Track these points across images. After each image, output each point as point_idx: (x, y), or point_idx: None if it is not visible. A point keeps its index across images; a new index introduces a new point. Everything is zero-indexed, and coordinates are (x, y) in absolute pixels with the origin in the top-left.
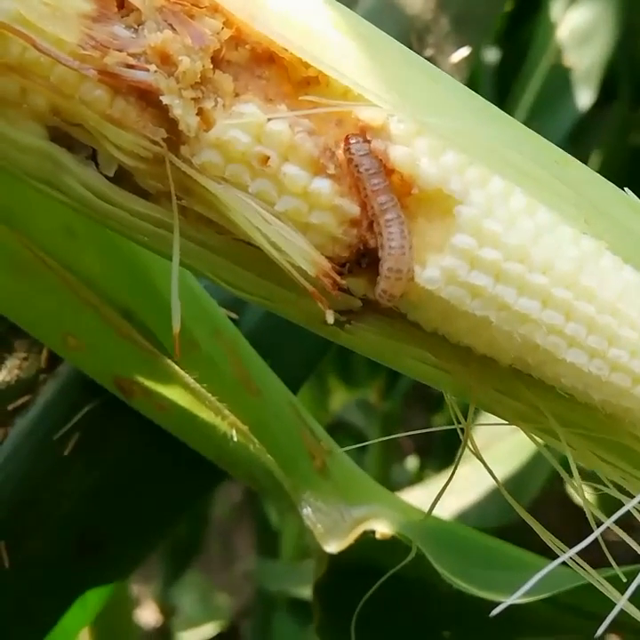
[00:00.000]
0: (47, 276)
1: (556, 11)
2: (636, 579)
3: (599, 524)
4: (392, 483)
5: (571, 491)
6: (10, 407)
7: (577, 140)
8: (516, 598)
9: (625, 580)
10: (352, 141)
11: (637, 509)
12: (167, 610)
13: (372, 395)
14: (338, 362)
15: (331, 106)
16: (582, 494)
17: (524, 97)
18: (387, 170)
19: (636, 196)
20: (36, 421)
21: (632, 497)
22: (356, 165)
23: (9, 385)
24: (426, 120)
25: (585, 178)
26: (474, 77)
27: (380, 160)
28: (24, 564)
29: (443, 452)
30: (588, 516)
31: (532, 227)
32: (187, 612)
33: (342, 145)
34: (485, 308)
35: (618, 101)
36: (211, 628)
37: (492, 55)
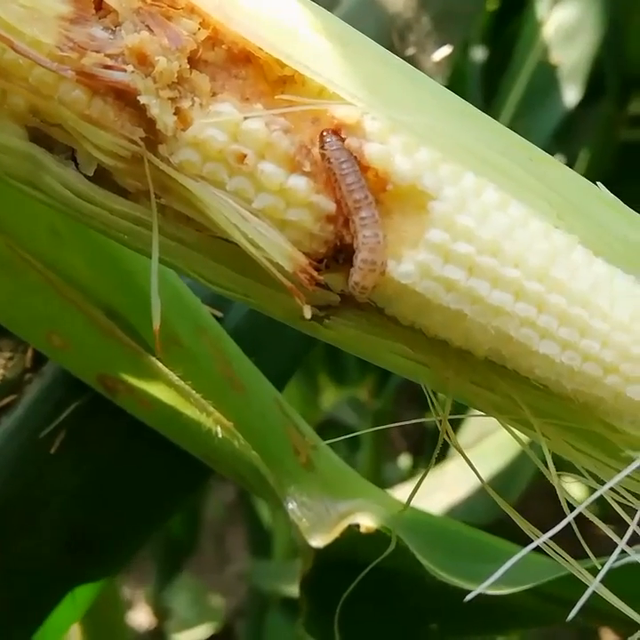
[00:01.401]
0: (30, 274)
1: (542, 8)
2: (607, 563)
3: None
4: (384, 481)
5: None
6: None
7: (564, 137)
8: (486, 586)
9: (599, 568)
10: (326, 137)
11: (612, 497)
12: (161, 612)
13: (363, 393)
14: (329, 360)
15: (306, 104)
16: (558, 483)
17: (511, 94)
18: (362, 166)
19: (608, 191)
20: (22, 420)
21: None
22: (330, 160)
23: None
24: (400, 117)
25: (558, 174)
26: (461, 75)
27: (355, 157)
28: (12, 562)
29: (434, 449)
30: (561, 502)
31: (505, 221)
32: (180, 614)
33: (317, 141)
34: (459, 302)
35: (605, 97)
36: (204, 630)
37: (478, 53)
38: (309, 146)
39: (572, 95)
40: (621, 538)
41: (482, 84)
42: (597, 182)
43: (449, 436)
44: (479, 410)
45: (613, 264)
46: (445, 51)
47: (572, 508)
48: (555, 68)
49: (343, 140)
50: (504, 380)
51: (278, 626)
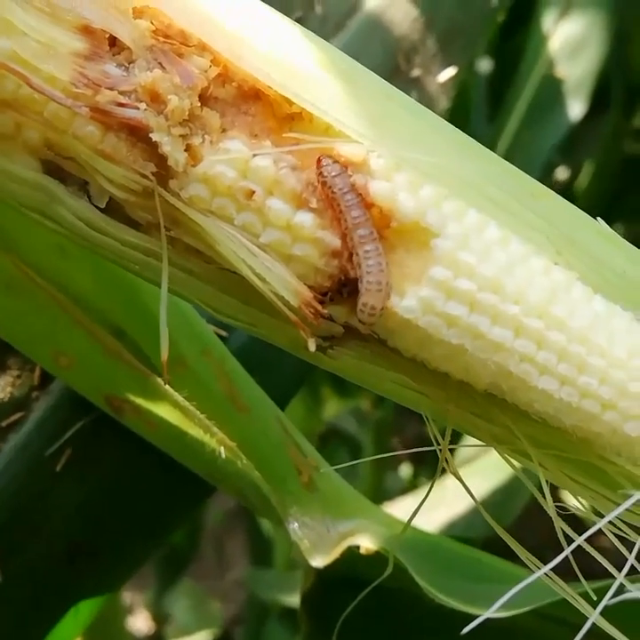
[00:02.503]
0: (38, 295)
1: (548, 22)
2: (605, 597)
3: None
4: (385, 490)
5: (562, 498)
6: (3, 424)
7: (569, 150)
8: (490, 613)
9: (595, 598)
10: (323, 163)
11: (609, 529)
12: (160, 617)
13: (364, 403)
14: (330, 372)
15: (313, 142)
16: (554, 513)
17: (517, 107)
18: (366, 203)
19: (607, 226)
20: (28, 438)
21: (603, 516)
22: (330, 187)
23: (2, 402)
24: (405, 155)
25: (558, 209)
26: (466, 87)
27: (360, 194)
28: (17, 577)
29: (436, 459)
30: (558, 533)
31: (506, 258)
32: (179, 620)
33: (315, 169)
34: (461, 337)
35: (610, 110)
36: (203, 636)
37: (484, 66)
38: (315, 183)
39: (577, 109)
40: (620, 557)
41: (487, 97)
42: (597, 217)
43: (448, 465)
44: (479, 439)
45: (612, 300)
46: (450, 72)
47: (568, 538)
48: (560, 81)
49: (344, 167)
50: (503, 413)
51: (277, 634)
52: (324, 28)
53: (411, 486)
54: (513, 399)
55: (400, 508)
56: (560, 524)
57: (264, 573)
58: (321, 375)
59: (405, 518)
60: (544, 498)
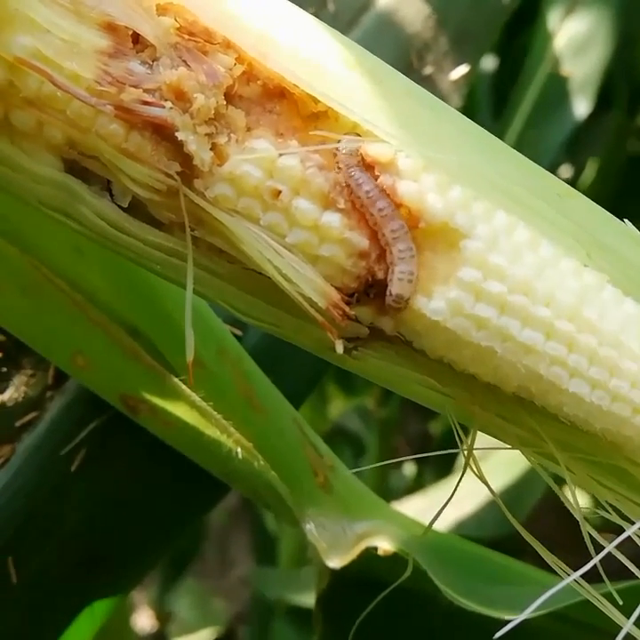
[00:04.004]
0: (56, 295)
1: (553, 20)
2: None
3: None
4: (390, 489)
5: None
6: (17, 423)
7: (574, 149)
8: (518, 621)
9: (621, 603)
10: (342, 150)
11: (637, 534)
12: (163, 615)
13: (369, 402)
14: (336, 370)
15: (340, 141)
16: (581, 518)
17: (522, 106)
18: (395, 204)
19: (635, 228)
20: (43, 437)
21: (631, 521)
22: (348, 174)
23: (17, 402)
24: (432, 155)
25: (586, 210)
26: (471, 86)
27: (388, 194)
28: (31, 578)
29: (440, 459)
30: (585, 537)
31: (536, 260)
32: (183, 618)
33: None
34: (490, 339)
35: (615, 109)
36: (207, 634)
37: (489, 64)
38: (343, 183)
39: (582, 107)
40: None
41: (492, 95)
42: (624, 219)
43: (475, 468)
44: (504, 442)
45: None
46: (462, 70)
47: (596, 544)
48: (565, 79)
49: (361, 159)
50: (531, 415)
51: (281, 633)
52: (336, 25)
53: (415, 485)
54: (542, 402)
55: (409, 508)
56: (588, 529)
57: (268, 571)
58: (327, 373)
59: (416, 518)
60: (570, 501)
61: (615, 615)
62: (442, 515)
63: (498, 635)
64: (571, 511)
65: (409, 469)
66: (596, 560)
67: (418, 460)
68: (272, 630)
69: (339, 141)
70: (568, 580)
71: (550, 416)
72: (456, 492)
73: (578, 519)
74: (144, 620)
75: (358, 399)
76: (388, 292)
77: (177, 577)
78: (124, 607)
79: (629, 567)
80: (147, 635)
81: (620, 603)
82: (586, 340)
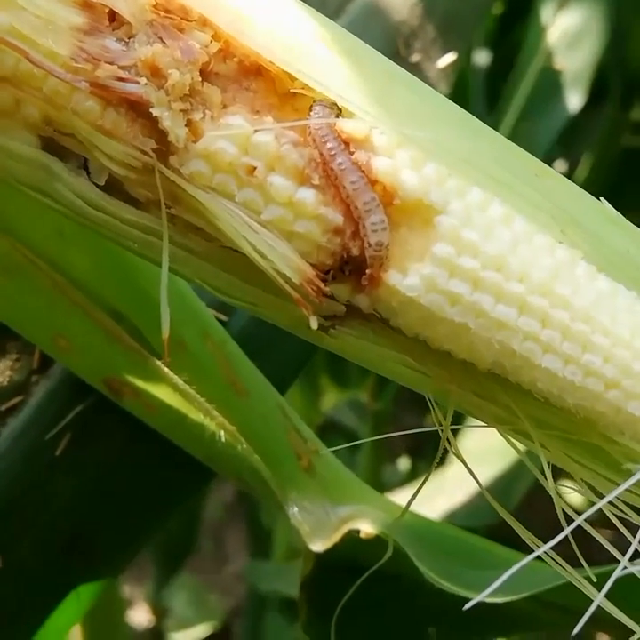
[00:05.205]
0: (37, 277)
1: (546, 14)
2: (610, 579)
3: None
4: (383, 483)
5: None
6: (2, 408)
7: (568, 142)
8: (485, 595)
9: (595, 581)
10: (315, 106)
11: (610, 509)
12: (159, 611)
13: (363, 395)
14: (329, 363)
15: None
16: (556, 494)
17: (515, 99)
18: (370, 180)
19: (611, 207)
20: (28, 422)
21: (603, 496)
22: (317, 140)
23: (1, 386)
24: (407, 132)
25: (562, 189)
26: (464, 80)
27: (363, 171)
28: (16, 563)
29: (434, 452)
30: (558, 513)
31: (509, 236)
32: (179, 613)
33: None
34: (464, 315)
35: (608, 103)
36: (203, 629)
37: (482, 58)
38: (318, 159)
39: (575, 101)
40: (620, 545)
41: (485, 89)
42: (601, 198)
43: (450, 445)
44: (480, 420)
45: (615, 280)
46: (450, 57)
47: (570, 519)
48: (558, 73)
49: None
50: (506, 393)
51: (277, 626)
52: (323, 11)
53: (409, 479)
54: (516, 378)
55: (399, 498)
56: (561, 505)
57: (263, 566)
58: (319, 365)
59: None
60: (545, 478)
61: (592, 593)
62: (432, 505)
63: (466, 607)
64: (546, 489)
65: (403, 464)
66: (567, 531)
67: (412, 455)
68: (266, 624)
69: (313, 101)
70: (539, 552)
71: (525, 393)
72: (449, 483)
73: (551, 495)
74: (140, 615)
75: (352, 392)
76: (365, 244)
77: (173, 572)
78: (119, 602)
79: (598, 539)
80: (143, 630)
81: (594, 580)
82: (559, 315)
